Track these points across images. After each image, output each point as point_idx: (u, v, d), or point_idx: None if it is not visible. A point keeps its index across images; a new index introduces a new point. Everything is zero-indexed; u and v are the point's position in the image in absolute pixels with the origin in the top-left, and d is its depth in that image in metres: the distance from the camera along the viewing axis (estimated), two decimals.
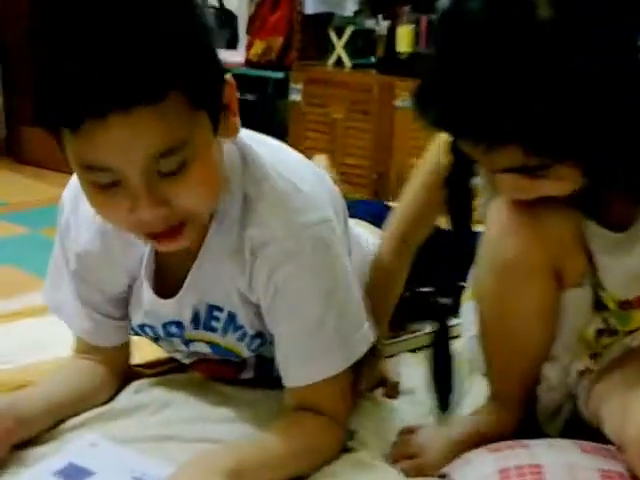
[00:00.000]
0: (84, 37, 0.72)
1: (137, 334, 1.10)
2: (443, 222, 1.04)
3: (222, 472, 0.84)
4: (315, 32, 3.33)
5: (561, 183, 0.83)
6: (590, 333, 0.97)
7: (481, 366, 1.05)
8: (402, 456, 0.99)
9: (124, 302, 1.06)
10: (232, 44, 3.78)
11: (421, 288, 1.35)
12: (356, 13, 3.29)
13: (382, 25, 3.15)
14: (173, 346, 1.10)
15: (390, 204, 1.88)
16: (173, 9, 0.76)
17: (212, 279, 0.97)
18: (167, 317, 1.03)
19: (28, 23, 0.77)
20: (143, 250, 0.99)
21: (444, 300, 1.05)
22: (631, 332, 0.99)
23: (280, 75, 3.40)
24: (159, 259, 1.00)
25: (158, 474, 0.89)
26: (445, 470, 0.96)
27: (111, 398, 1.09)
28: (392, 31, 3.10)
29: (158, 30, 0.73)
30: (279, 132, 3.59)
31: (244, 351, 1.05)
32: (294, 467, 0.92)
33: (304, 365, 0.96)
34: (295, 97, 3.33)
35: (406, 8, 3.07)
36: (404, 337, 1.32)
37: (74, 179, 0.96)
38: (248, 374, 1.13)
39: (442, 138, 0.99)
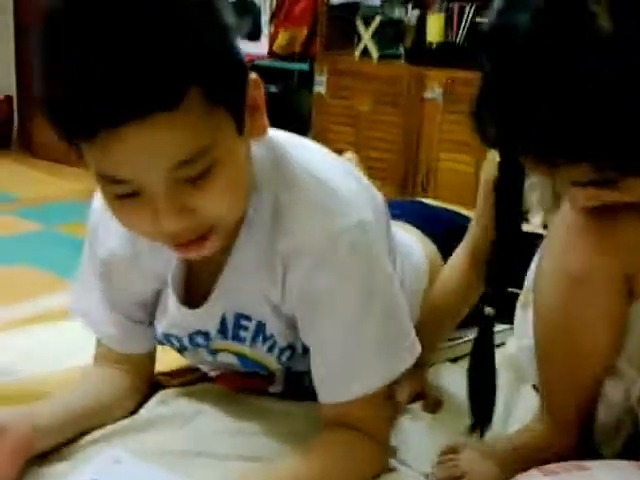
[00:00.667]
0: (90, 42, 0.67)
1: (161, 344, 1.05)
2: None
3: None
4: (341, 22, 3.26)
5: (632, 191, 0.78)
6: None
7: (532, 377, 0.98)
8: None
9: (153, 307, 1.01)
10: (254, 35, 3.72)
11: None
12: (383, 2, 3.22)
13: (411, 14, 3.07)
14: (199, 357, 1.04)
15: (425, 201, 1.82)
16: (184, 6, 0.70)
17: (241, 289, 0.91)
18: (193, 327, 0.98)
19: (35, 32, 0.72)
20: (172, 259, 0.94)
21: (488, 310, 0.98)
22: None
23: (304, 66, 3.35)
24: (187, 267, 0.95)
25: None
26: None
27: (135, 409, 1.03)
28: (421, 20, 3.03)
29: (167, 29, 0.68)
30: (303, 125, 3.54)
31: (273, 363, 0.99)
32: None
33: (342, 379, 0.90)
34: (319, 89, 3.27)
35: None
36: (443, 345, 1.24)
37: None
38: (277, 388, 1.08)
39: None
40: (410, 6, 3.10)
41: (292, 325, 0.93)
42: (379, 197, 1.01)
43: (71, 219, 2.64)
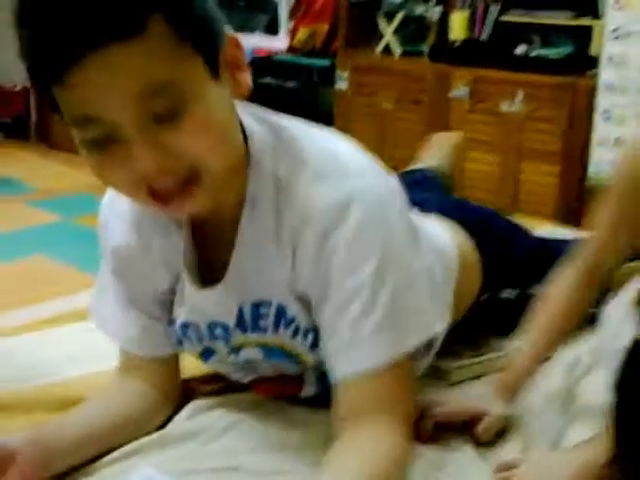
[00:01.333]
0: None
1: (180, 342, 1.01)
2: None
3: None
4: (362, 18, 3.23)
5: None
6: None
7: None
8: None
9: (170, 304, 0.98)
10: (272, 29, 3.69)
11: (504, 291, 1.24)
12: None
13: (434, 11, 3.03)
14: (223, 360, 1.01)
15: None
16: None
17: (254, 269, 0.89)
18: (212, 314, 0.95)
19: None
20: (181, 241, 0.92)
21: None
22: None
23: (325, 63, 3.31)
24: (198, 251, 0.93)
25: None
26: None
27: (163, 424, 1.00)
28: (445, 17, 2.99)
29: None
30: (323, 122, 3.50)
31: (299, 348, 0.94)
32: None
33: (350, 350, 0.85)
34: (341, 85, 3.23)
35: None
36: (469, 361, 1.17)
37: None
38: (309, 390, 1.04)
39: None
40: (433, 2, 3.07)
41: (309, 306, 0.90)
42: (394, 178, 0.93)
43: (88, 211, 2.66)
